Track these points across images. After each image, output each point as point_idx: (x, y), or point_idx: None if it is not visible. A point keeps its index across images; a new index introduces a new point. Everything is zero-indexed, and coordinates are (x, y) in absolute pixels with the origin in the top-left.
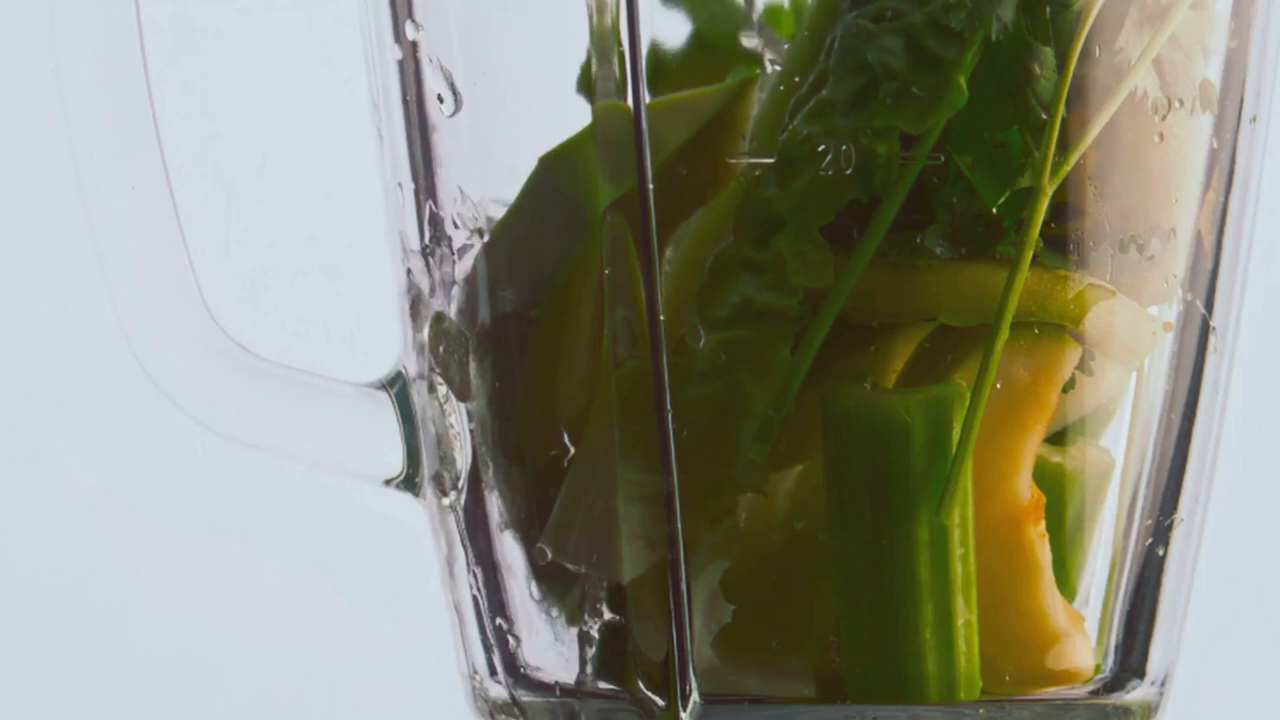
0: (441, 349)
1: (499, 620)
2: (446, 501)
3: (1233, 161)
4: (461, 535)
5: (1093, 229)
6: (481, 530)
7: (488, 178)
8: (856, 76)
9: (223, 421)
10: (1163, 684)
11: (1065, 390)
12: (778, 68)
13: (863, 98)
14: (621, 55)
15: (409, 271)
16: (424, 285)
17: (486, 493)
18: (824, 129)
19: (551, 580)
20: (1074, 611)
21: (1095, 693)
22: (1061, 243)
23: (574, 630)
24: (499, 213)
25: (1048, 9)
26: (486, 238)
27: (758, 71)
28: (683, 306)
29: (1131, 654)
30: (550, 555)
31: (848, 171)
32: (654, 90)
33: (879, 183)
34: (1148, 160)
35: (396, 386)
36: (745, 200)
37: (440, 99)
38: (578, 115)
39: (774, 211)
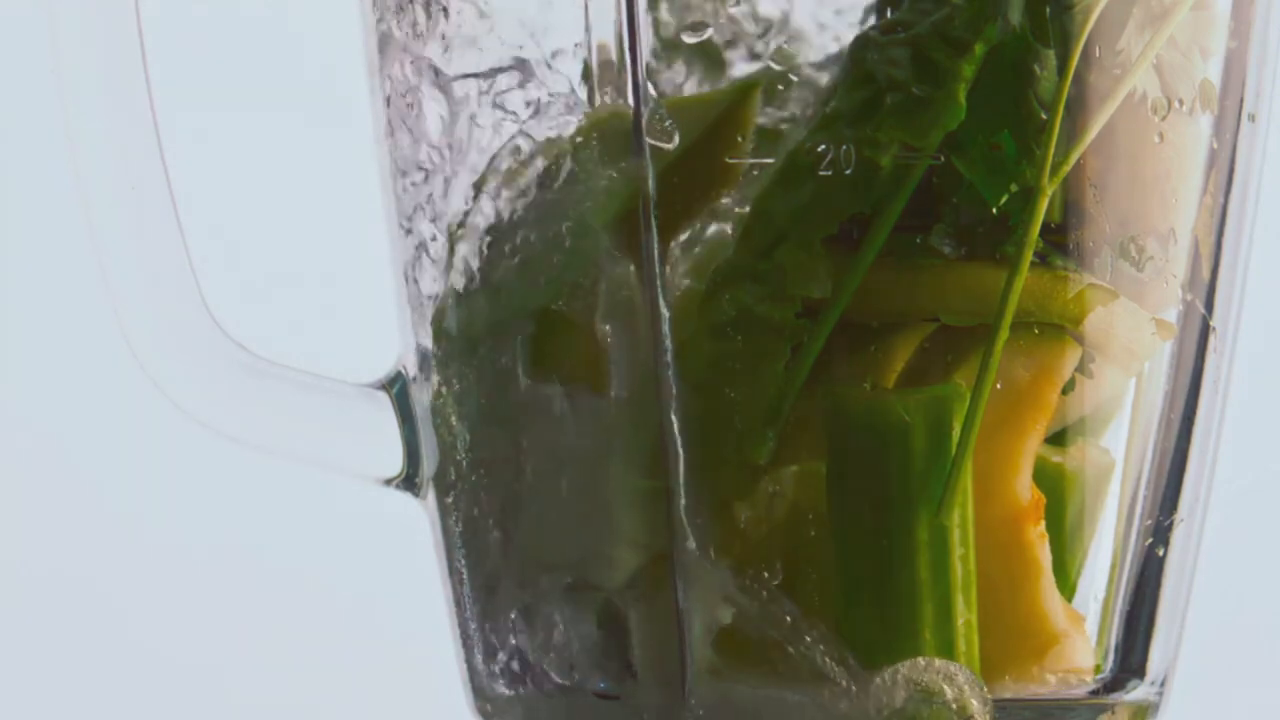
0: (441, 349)
1: (498, 620)
2: (446, 501)
3: (1232, 162)
4: (460, 535)
5: (1093, 229)
6: (480, 530)
7: (484, 173)
8: (863, 88)
9: (223, 421)
10: (1162, 684)
11: (1065, 392)
12: (776, 67)
13: (868, 109)
14: (621, 55)
15: (409, 271)
16: (424, 285)
17: (484, 493)
18: (829, 138)
19: (549, 581)
20: (1074, 611)
21: (1095, 693)
22: (1061, 243)
23: (573, 631)
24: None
25: (1048, 9)
26: (486, 238)
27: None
28: (688, 311)
29: (1131, 654)
30: (546, 557)
31: (847, 172)
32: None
33: (880, 193)
34: (1148, 161)
35: (396, 386)
36: (753, 210)
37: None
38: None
39: (778, 222)
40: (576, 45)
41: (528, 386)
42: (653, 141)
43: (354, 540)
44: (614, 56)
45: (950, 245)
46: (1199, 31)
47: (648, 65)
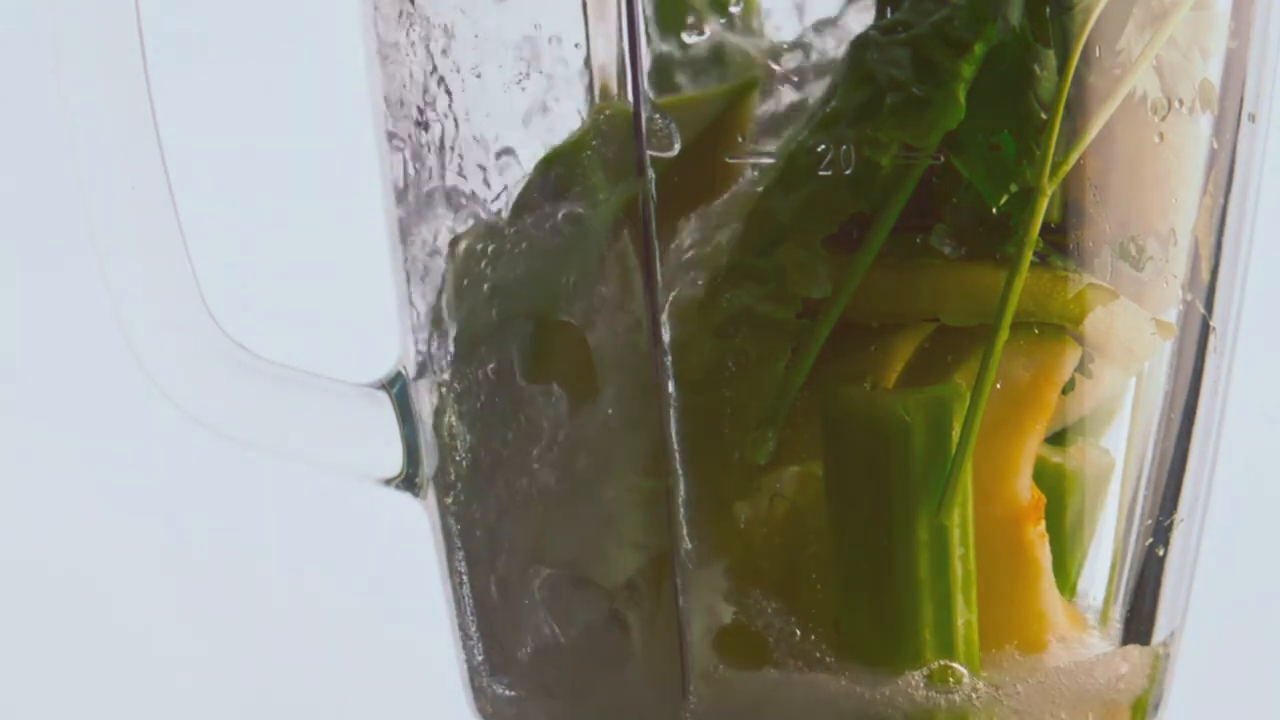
0: (441, 350)
1: (498, 620)
2: (446, 501)
3: (1232, 162)
4: (460, 535)
5: (1093, 229)
6: (480, 530)
7: (484, 174)
8: (863, 88)
9: (223, 421)
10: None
11: (1065, 392)
12: (776, 67)
13: (868, 109)
14: (621, 54)
15: (410, 271)
16: (425, 285)
17: (485, 493)
18: (829, 138)
19: (549, 581)
20: (1074, 611)
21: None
22: (1061, 243)
23: (573, 630)
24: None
25: (1048, 9)
26: (485, 239)
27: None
28: (688, 311)
29: None
30: (546, 557)
31: (847, 172)
32: (657, 91)
33: (880, 193)
34: (1148, 161)
35: (396, 386)
36: (753, 210)
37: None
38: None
39: (778, 222)
40: (576, 45)
41: (527, 387)
42: (652, 146)
43: (354, 540)
44: (614, 57)
45: (950, 245)
46: (1199, 31)
47: (647, 66)
